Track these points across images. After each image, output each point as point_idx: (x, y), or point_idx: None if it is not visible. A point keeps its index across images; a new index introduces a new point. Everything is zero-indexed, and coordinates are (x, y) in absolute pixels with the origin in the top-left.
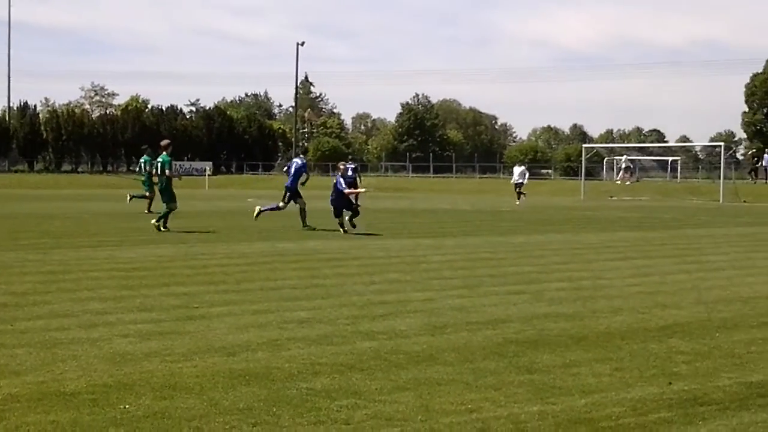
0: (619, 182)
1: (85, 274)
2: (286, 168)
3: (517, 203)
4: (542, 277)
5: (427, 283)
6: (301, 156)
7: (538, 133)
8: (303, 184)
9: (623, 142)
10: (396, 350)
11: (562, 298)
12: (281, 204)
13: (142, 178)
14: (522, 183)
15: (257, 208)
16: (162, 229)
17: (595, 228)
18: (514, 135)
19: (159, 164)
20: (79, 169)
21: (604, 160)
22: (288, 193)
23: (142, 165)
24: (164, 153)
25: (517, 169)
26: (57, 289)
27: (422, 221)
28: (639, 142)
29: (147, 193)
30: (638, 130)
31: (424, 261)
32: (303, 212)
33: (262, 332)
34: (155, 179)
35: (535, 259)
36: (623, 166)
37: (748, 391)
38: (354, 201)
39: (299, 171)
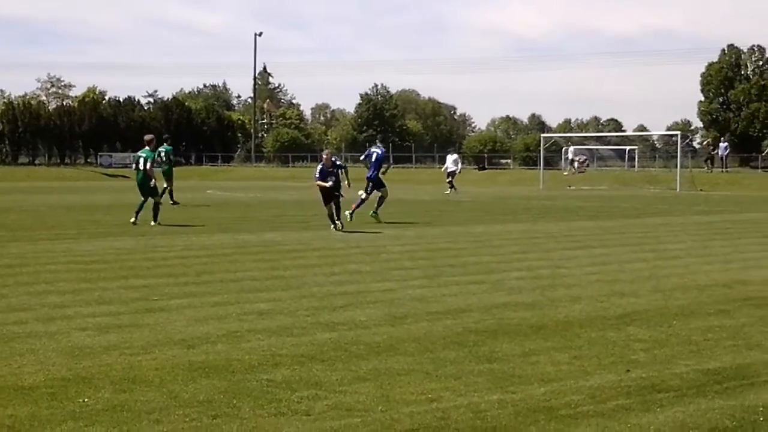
0: (566, 174)
1: (42, 267)
2: (364, 157)
3: (447, 192)
4: (502, 267)
5: (387, 274)
6: (380, 144)
7: (496, 123)
8: (383, 173)
9: (581, 132)
10: (356, 341)
11: (521, 287)
12: (364, 196)
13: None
14: (455, 172)
15: (347, 213)
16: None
17: (554, 217)
18: (473, 125)
19: (141, 158)
20: (36, 162)
21: (563, 150)
22: (371, 183)
23: (162, 155)
24: (146, 148)
25: (450, 158)
26: (14, 282)
27: (382, 211)
28: (597, 132)
29: (165, 185)
30: (596, 119)
31: (384, 251)
32: (382, 200)
33: (222, 324)
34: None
35: (494, 248)
36: (570, 158)
37: (705, 377)
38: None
39: (380, 160)
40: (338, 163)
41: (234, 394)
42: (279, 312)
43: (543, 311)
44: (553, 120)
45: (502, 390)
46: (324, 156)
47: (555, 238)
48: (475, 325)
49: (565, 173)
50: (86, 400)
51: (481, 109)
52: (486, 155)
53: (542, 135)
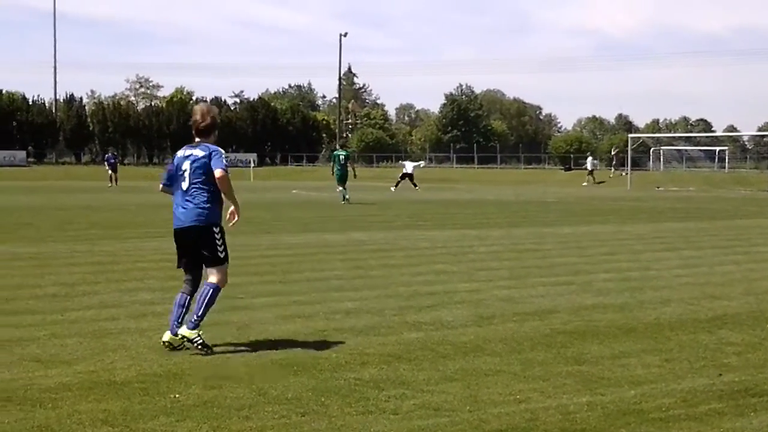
0: (585, 184)
1: (133, 264)
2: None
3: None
4: (589, 268)
5: (473, 274)
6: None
7: (583, 123)
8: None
9: (670, 132)
10: (443, 341)
11: (609, 289)
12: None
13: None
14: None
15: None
16: None
17: (642, 218)
18: (558, 125)
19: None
20: (125, 161)
21: (651, 150)
22: None
23: (341, 157)
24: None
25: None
26: (106, 279)
27: (467, 212)
28: (686, 132)
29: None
30: (685, 119)
31: (470, 252)
32: None
33: (309, 322)
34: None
35: (581, 250)
36: (590, 168)
37: None
38: None
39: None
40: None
41: (322, 392)
42: (365, 311)
43: (632, 313)
44: (640, 120)
45: (592, 392)
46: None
47: (643, 239)
48: (563, 326)
49: (584, 184)
50: (177, 395)
51: (567, 109)
52: (572, 156)
53: (629, 135)
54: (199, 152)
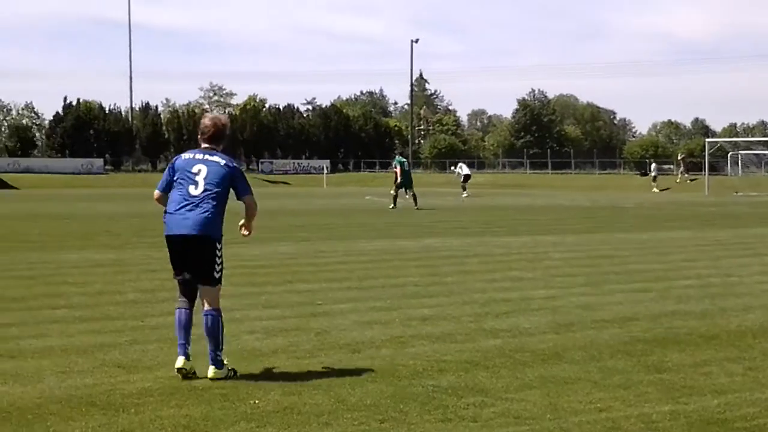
0: (655, 190)
1: None
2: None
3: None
4: (669, 275)
5: (549, 281)
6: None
7: (658, 127)
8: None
9: (747, 136)
10: (521, 348)
11: (690, 295)
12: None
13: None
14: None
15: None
16: None
17: (722, 224)
18: (633, 130)
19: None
20: None
21: (729, 155)
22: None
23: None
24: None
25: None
26: None
27: (542, 218)
28: (764, 136)
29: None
30: (763, 123)
31: (546, 258)
32: None
33: (386, 329)
34: None
35: (660, 256)
36: (653, 174)
37: None
38: None
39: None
40: None
41: (401, 399)
42: (442, 318)
43: (714, 320)
44: (717, 124)
45: (674, 401)
46: None
47: (723, 245)
48: (643, 334)
49: (654, 190)
50: (257, 401)
51: (642, 113)
52: (648, 160)
53: (707, 140)
54: (218, 159)
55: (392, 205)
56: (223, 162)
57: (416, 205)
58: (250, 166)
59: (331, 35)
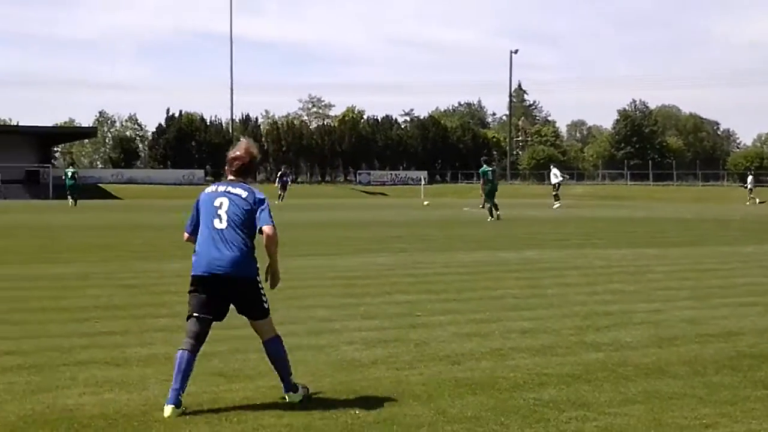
0: (749, 203)
1: (308, 282)
2: None
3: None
4: None
5: (652, 294)
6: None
7: (763, 138)
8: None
9: None
10: (623, 362)
11: None
12: None
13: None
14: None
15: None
16: None
17: None
18: (737, 141)
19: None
20: (299, 180)
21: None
22: None
23: (489, 173)
24: None
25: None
26: (283, 296)
27: (643, 230)
28: None
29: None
30: None
31: (648, 271)
32: None
33: (486, 341)
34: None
35: (766, 269)
36: (749, 187)
37: None
38: None
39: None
40: None
41: (501, 412)
42: (542, 330)
43: None
44: None
45: None
46: None
47: None
48: (750, 349)
49: (748, 203)
50: (357, 412)
51: (746, 124)
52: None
53: None
54: (240, 191)
55: (489, 217)
56: (245, 194)
57: (492, 216)
58: (348, 177)
59: (429, 46)
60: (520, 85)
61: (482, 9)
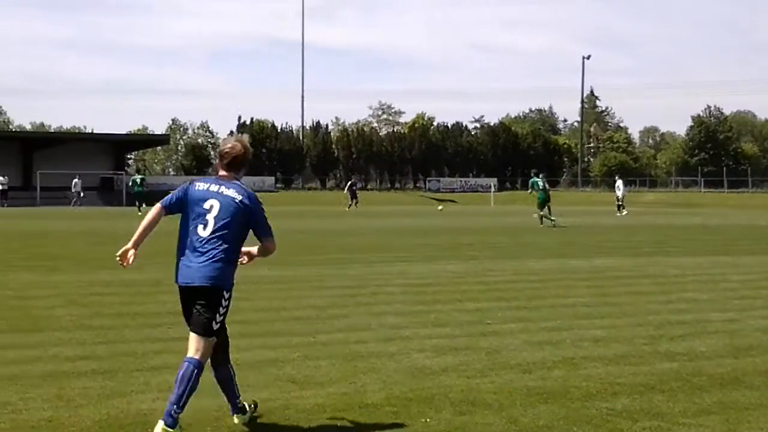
0: None
1: (379, 288)
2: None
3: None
4: None
5: (727, 303)
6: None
7: None
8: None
9: None
10: (698, 372)
11: None
12: None
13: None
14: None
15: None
16: None
17: None
18: None
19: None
20: (368, 186)
21: None
22: None
23: (539, 183)
24: None
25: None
26: (354, 303)
27: (717, 238)
28: None
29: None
30: None
31: (722, 280)
32: None
33: (557, 350)
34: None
35: None
36: None
37: None
38: None
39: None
40: None
41: (574, 422)
42: (614, 339)
43: None
44: None
45: None
46: None
47: None
48: None
49: None
50: (428, 420)
51: None
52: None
53: None
54: (234, 193)
55: (552, 224)
56: (239, 198)
57: (542, 223)
58: (417, 184)
59: (500, 52)
60: (592, 91)
61: (555, 14)
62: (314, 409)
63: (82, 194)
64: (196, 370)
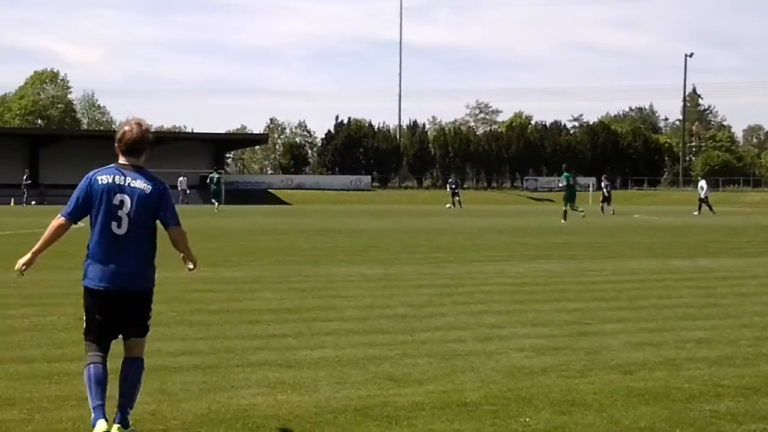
0: None
1: (476, 287)
2: None
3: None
4: None
5: None
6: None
7: None
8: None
9: None
10: None
11: None
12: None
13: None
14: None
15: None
16: None
17: None
18: None
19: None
20: (465, 185)
21: None
22: None
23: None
24: None
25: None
26: (451, 302)
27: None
28: None
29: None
30: None
31: None
32: None
33: (659, 351)
34: None
35: None
36: None
37: None
38: None
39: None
40: None
41: (676, 423)
42: (718, 341)
43: None
44: None
45: None
46: None
47: None
48: None
49: None
50: (527, 419)
51: None
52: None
53: None
54: (144, 185)
55: (564, 221)
56: (149, 188)
57: (583, 215)
58: (515, 183)
59: (598, 50)
60: (694, 89)
61: (656, 13)
62: (412, 407)
63: (188, 191)
64: (141, 368)
